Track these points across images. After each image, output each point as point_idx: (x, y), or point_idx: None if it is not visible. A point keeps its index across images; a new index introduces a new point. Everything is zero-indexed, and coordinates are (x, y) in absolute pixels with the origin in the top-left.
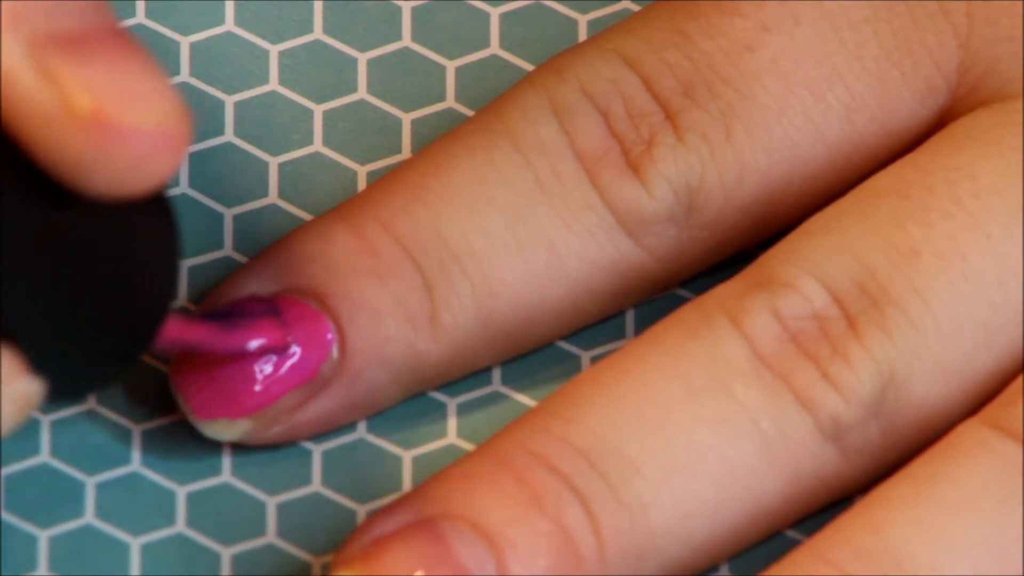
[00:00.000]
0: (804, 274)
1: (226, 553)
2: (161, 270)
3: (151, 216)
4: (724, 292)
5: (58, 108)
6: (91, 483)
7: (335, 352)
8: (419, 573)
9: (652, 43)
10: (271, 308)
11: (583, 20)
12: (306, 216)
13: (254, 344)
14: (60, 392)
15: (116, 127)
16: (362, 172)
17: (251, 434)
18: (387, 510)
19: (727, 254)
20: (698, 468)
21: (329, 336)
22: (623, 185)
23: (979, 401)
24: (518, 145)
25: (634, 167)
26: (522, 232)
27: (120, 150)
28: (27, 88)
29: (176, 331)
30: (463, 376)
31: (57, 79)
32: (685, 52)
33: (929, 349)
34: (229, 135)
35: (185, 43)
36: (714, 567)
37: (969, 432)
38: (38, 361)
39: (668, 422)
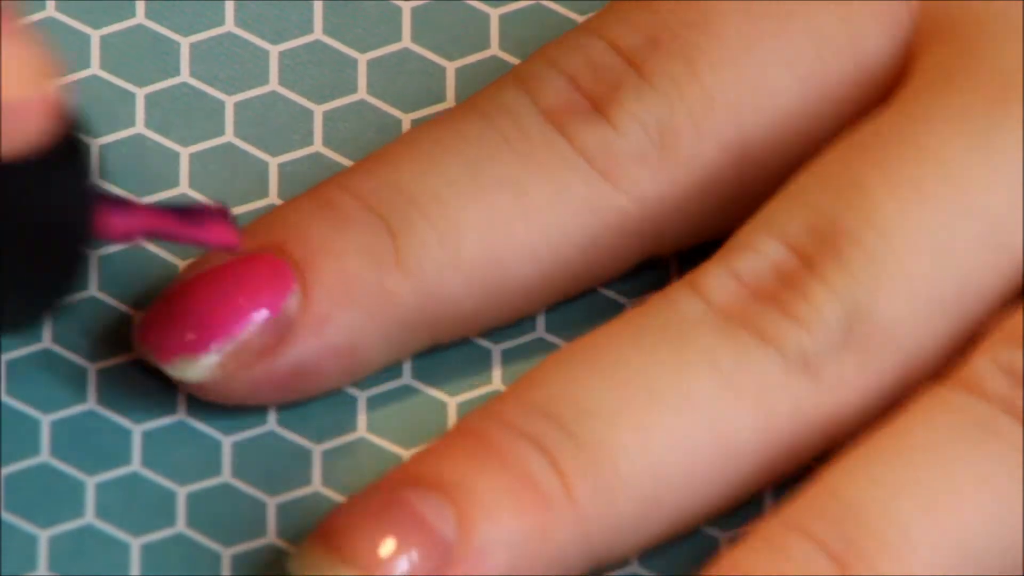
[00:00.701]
0: (761, 234)
1: (226, 553)
2: (77, 174)
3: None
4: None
5: None
6: (91, 483)
7: (296, 288)
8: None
9: (619, 12)
10: (223, 213)
11: (583, 21)
12: None
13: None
14: (19, 313)
15: None
16: None
17: (220, 373)
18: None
19: (715, 204)
20: (655, 405)
21: (288, 272)
22: (590, 128)
23: (947, 322)
24: (483, 112)
25: (600, 110)
26: (486, 178)
27: None
28: None
29: (121, 219)
30: (451, 325)
31: None
32: (651, 11)
33: (890, 276)
34: (229, 135)
35: (185, 43)
36: (705, 516)
37: (938, 391)
38: None
39: (621, 366)
